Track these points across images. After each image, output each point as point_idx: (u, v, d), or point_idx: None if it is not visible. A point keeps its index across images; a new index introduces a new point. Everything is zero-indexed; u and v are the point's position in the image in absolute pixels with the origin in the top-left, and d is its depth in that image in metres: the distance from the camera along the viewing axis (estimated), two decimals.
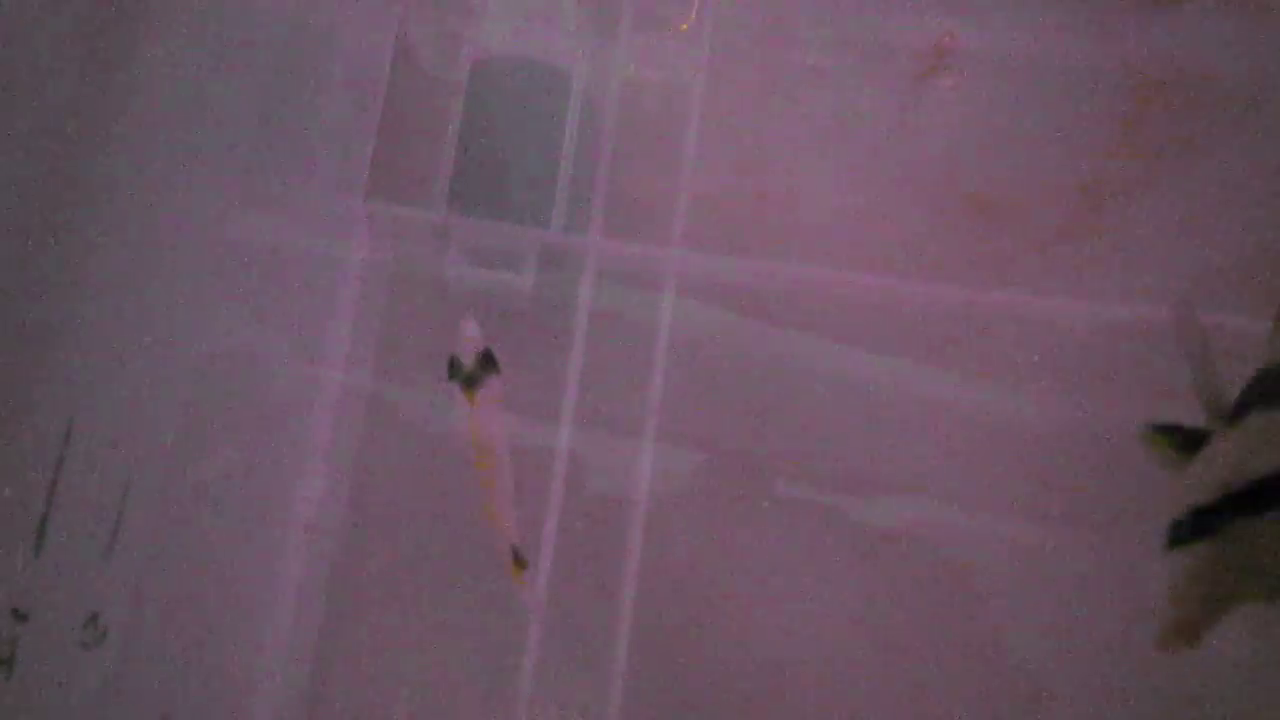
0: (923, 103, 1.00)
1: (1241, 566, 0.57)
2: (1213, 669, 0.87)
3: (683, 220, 0.97)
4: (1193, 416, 0.64)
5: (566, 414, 0.95)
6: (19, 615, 0.55)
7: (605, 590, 0.92)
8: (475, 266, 0.98)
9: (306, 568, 0.92)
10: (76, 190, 0.64)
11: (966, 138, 1.00)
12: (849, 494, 0.93)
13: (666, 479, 0.94)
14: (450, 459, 0.96)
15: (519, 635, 0.92)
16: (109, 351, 0.64)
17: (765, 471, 0.94)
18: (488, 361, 0.78)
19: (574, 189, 0.98)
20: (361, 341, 0.97)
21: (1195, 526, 0.57)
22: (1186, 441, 0.63)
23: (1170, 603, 0.57)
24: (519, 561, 0.80)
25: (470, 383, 0.77)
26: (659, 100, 1.00)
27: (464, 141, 1.00)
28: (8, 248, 0.56)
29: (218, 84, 0.82)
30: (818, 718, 0.92)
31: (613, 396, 0.95)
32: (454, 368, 0.78)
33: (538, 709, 0.91)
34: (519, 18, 1.03)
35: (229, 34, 0.83)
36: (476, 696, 0.93)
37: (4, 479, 0.54)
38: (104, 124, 0.69)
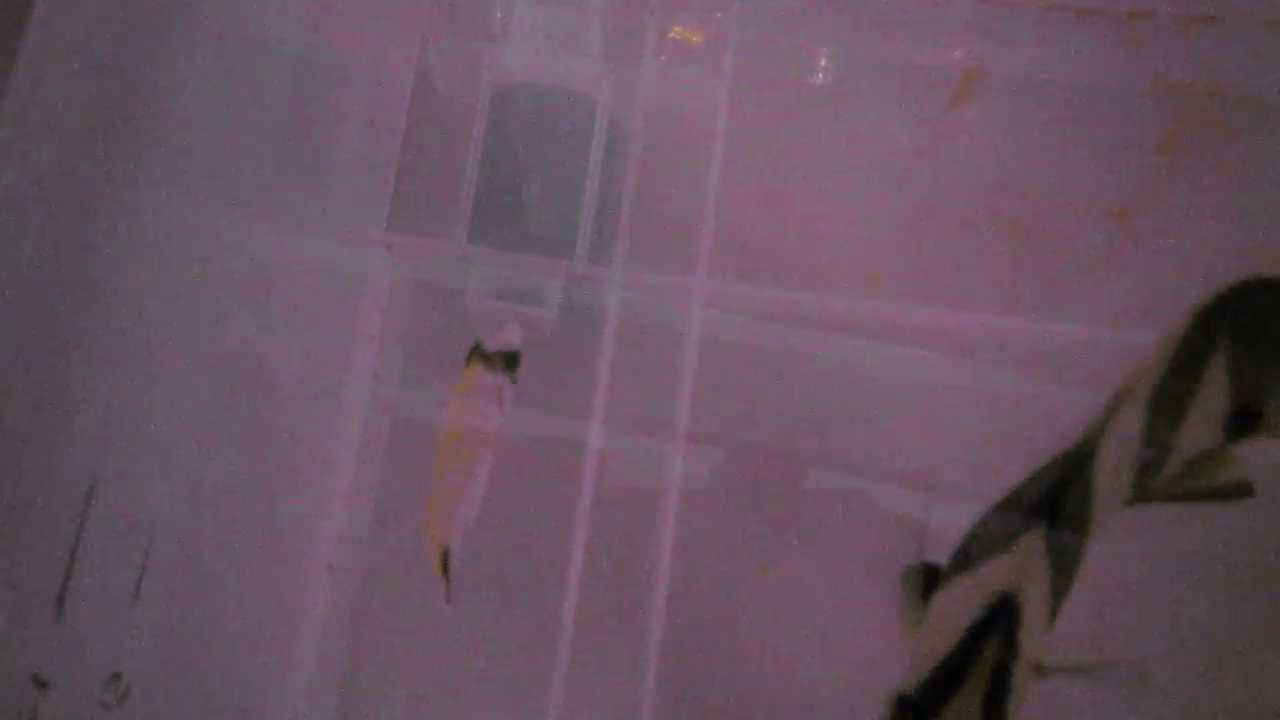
0: (952, 127, 0.98)
1: None
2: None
3: (708, 250, 0.95)
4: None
5: (593, 443, 0.93)
6: (39, 682, 0.54)
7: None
8: (498, 299, 0.97)
9: (329, 608, 0.91)
10: (91, 251, 0.63)
11: (997, 162, 0.98)
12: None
13: (693, 514, 0.92)
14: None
15: (548, 661, 0.91)
16: (129, 406, 0.63)
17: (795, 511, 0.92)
18: (510, 361, 0.75)
19: (598, 219, 0.97)
20: (383, 380, 0.96)
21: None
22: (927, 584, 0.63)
23: None
24: (444, 564, 0.75)
25: (482, 357, 0.73)
26: (683, 128, 0.99)
27: (485, 170, 0.98)
28: (28, 316, 0.56)
29: (236, 116, 0.81)
30: None
31: (639, 428, 0.94)
32: (474, 351, 0.74)
33: None
34: (541, 43, 1.01)
35: (248, 64, 0.82)
36: None
37: (24, 549, 0.53)
38: (123, 169, 0.69)
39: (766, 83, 0.99)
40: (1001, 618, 0.57)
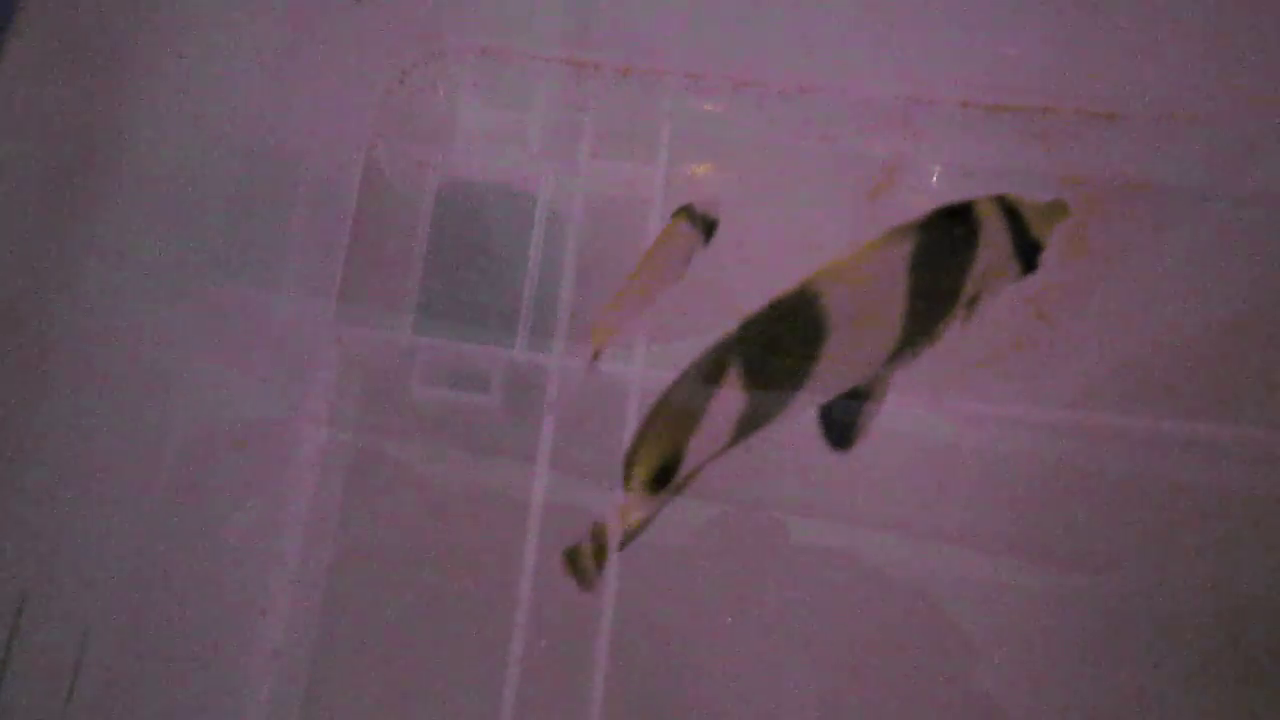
0: (874, 216, 1.04)
1: None
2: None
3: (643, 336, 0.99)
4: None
5: (533, 529, 0.96)
6: None
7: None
8: (443, 387, 1.00)
9: (276, 695, 0.92)
10: (23, 348, 0.66)
11: None
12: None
13: (629, 593, 0.95)
14: (424, 577, 0.97)
15: None
16: (63, 509, 0.65)
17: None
18: (709, 226, 0.88)
19: (538, 308, 1.01)
20: (331, 467, 0.98)
21: None
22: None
23: None
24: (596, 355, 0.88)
25: (687, 214, 0.87)
26: (620, 220, 1.03)
27: (430, 264, 1.02)
28: None
29: (182, 209, 0.84)
30: None
31: (579, 509, 0.97)
32: (683, 209, 0.87)
33: None
34: (484, 142, 1.06)
35: (197, 157, 0.85)
36: None
37: None
38: (63, 261, 0.71)
39: (697, 177, 1.04)
40: None
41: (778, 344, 0.72)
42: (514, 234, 1.02)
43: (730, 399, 0.72)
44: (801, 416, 0.77)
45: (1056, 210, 0.78)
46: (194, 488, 0.86)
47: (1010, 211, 0.75)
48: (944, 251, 0.73)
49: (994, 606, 0.97)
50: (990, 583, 0.98)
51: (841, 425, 0.78)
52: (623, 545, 0.77)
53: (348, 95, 1.02)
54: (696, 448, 0.73)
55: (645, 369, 0.98)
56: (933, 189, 1.07)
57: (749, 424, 0.73)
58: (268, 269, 0.96)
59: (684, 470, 0.74)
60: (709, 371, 0.72)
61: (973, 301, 0.76)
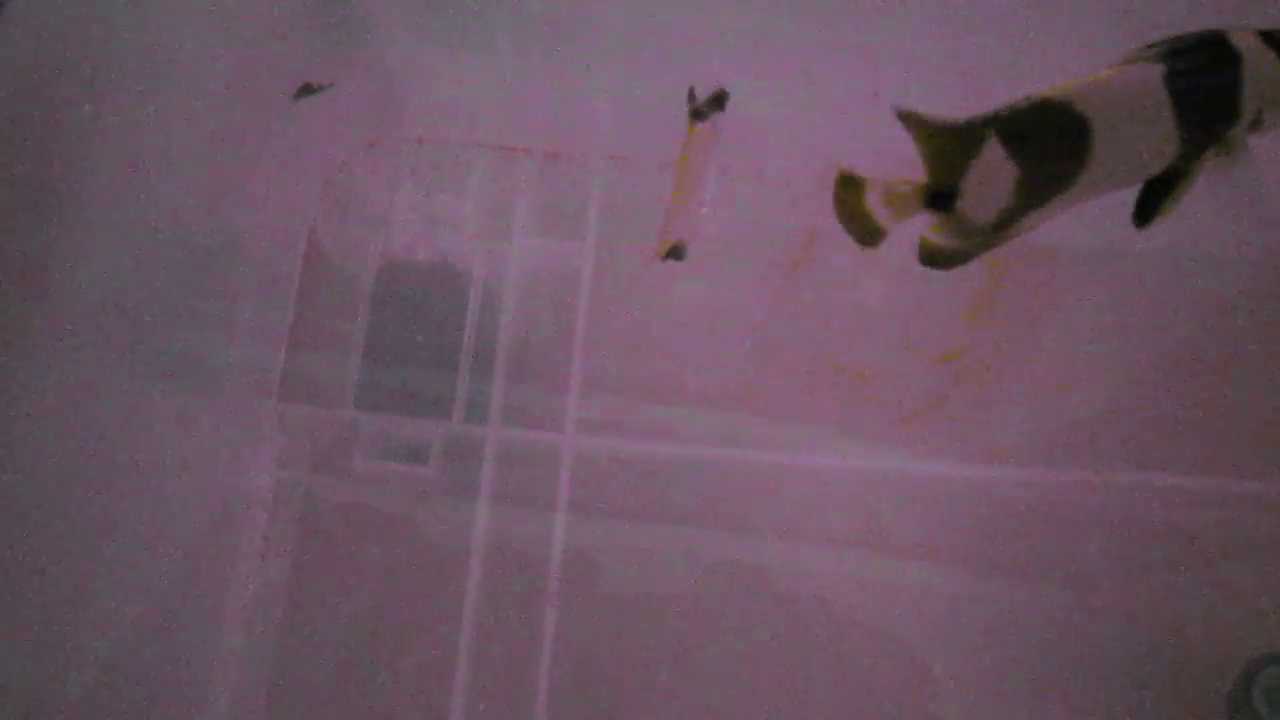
0: (795, 285, 1.09)
1: None
2: None
3: (575, 406, 1.04)
4: None
5: (472, 592, 0.99)
6: None
7: None
8: (384, 460, 1.04)
9: None
10: None
11: (837, 315, 1.08)
12: None
13: (569, 648, 0.97)
14: (370, 679, 1.00)
15: None
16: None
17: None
18: (718, 100, 0.89)
19: (474, 381, 1.05)
20: (274, 550, 1.01)
21: None
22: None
23: None
24: (675, 250, 0.91)
25: (697, 115, 0.89)
26: (551, 295, 1.09)
27: (370, 341, 1.07)
28: None
29: (124, 292, 0.87)
30: None
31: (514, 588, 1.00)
32: (691, 97, 0.89)
33: None
34: (422, 225, 1.11)
35: (138, 240, 0.88)
36: None
37: None
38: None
39: (625, 253, 1.10)
40: None
41: (1039, 133, 0.64)
42: (451, 310, 1.07)
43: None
44: None
45: None
46: (139, 577, 0.88)
47: (1274, 41, 0.66)
48: (1203, 73, 0.65)
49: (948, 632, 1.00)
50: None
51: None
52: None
53: (290, 184, 1.07)
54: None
55: (576, 436, 1.03)
56: (851, 255, 1.12)
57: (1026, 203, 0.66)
58: (212, 350, 1.00)
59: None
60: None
61: (1256, 124, 0.68)
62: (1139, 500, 1.03)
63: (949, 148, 0.65)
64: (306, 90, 1.00)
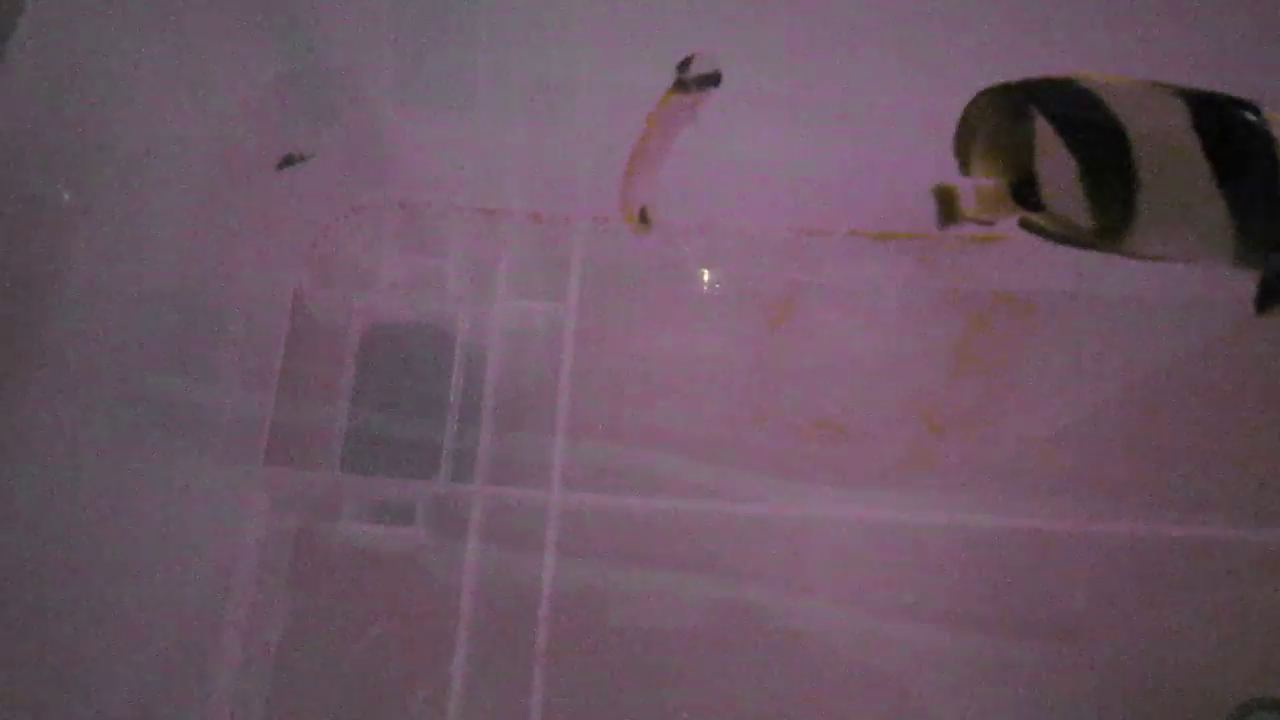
0: (775, 343, 1.11)
1: None
2: None
3: (560, 463, 1.04)
4: None
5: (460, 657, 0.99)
6: None
7: None
8: (370, 522, 1.04)
9: None
10: None
11: (818, 372, 1.10)
12: None
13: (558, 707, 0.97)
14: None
15: None
16: None
17: None
18: (709, 79, 0.84)
19: (460, 440, 1.06)
20: (261, 614, 1.01)
21: None
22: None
23: None
24: (644, 215, 0.90)
25: (681, 86, 0.84)
26: (534, 355, 1.10)
27: (356, 403, 1.08)
28: None
29: (107, 361, 0.88)
30: None
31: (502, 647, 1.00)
32: (682, 66, 0.84)
33: None
34: (406, 287, 1.13)
35: (122, 308, 0.89)
36: None
37: None
38: None
39: (608, 313, 1.11)
40: None
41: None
42: (436, 371, 1.08)
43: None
44: None
45: None
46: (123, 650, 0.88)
47: None
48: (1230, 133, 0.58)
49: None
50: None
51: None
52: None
53: (274, 250, 1.08)
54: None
55: (563, 494, 1.03)
56: (832, 309, 1.14)
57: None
58: (199, 417, 1.00)
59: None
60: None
61: None
62: (1125, 548, 1.04)
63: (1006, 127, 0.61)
64: (289, 161, 1.02)
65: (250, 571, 1.01)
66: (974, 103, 0.63)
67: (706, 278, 1.14)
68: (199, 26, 0.91)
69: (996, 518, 1.04)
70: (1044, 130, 0.60)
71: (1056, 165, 0.60)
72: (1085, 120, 0.59)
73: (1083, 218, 0.60)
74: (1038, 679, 0.99)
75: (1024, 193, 0.62)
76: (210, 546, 1.01)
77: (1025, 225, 0.65)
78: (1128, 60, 0.64)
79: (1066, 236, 0.64)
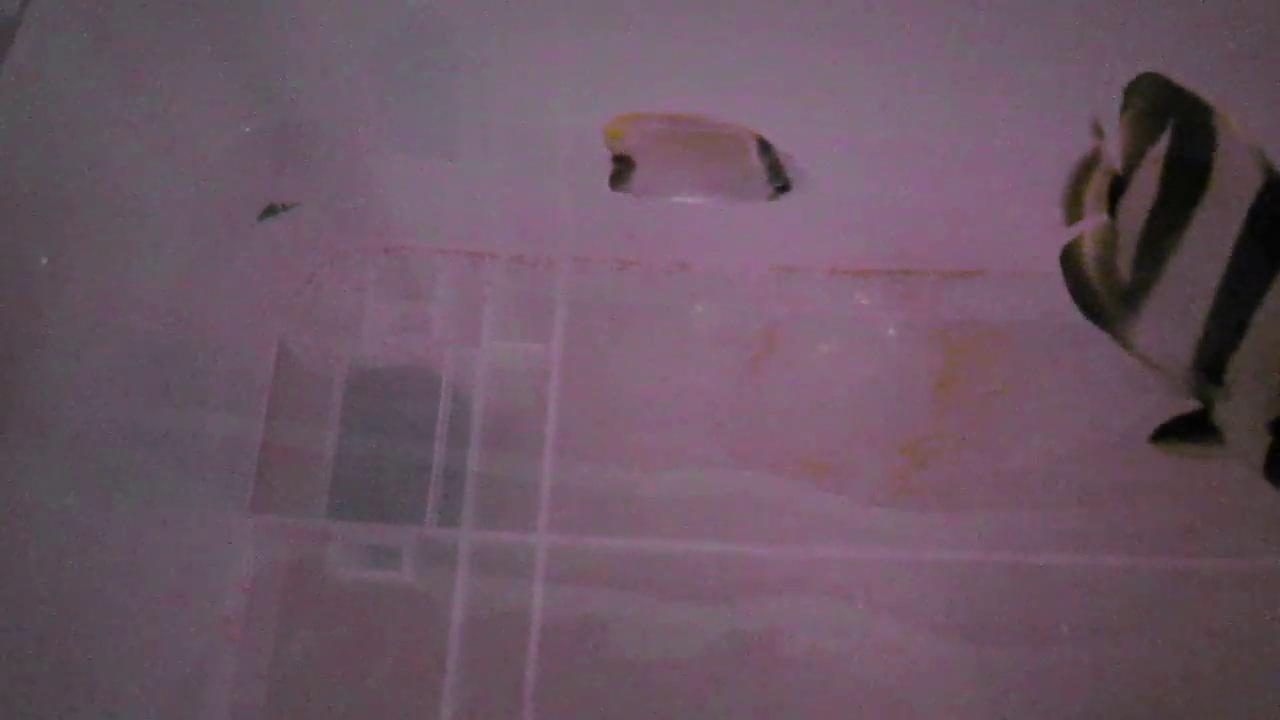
0: (758, 380, 1.11)
1: None
2: None
3: (547, 504, 1.05)
4: None
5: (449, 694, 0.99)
6: None
7: None
8: (358, 566, 1.04)
9: None
10: None
11: (799, 407, 1.10)
12: None
13: None
14: None
15: None
16: None
17: None
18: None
19: (446, 483, 1.06)
20: (248, 664, 1.00)
21: None
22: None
23: None
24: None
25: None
26: (520, 396, 1.10)
27: (343, 448, 1.08)
28: None
29: (92, 404, 0.88)
30: None
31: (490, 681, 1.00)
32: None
33: None
34: (391, 331, 1.13)
35: (105, 352, 0.90)
36: None
37: None
38: None
39: (591, 352, 1.12)
40: None
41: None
42: (421, 413, 1.09)
43: None
44: None
45: None
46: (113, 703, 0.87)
47: None
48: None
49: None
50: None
51: None
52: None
53: (258, 298, 1.09)
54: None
55: (549, 534, 1.04)
56: (814, 343, 1.15)
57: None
58: (184, 465, 1.01)
59: None
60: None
61: None
62: (1108, 581, 1.04)
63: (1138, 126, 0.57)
64: (271, 211, 1.03)
65: (239, 613, 1.01)
66: (1140, 78, 0.58)
67: (690, 315, 1.14)
68: (179, 79, 0.93)
69: (980, 550, 1.05)
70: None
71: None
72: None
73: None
74: (1024, 713, 0.99)
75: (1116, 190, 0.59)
76: (198, 591, 1.01)
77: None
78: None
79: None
